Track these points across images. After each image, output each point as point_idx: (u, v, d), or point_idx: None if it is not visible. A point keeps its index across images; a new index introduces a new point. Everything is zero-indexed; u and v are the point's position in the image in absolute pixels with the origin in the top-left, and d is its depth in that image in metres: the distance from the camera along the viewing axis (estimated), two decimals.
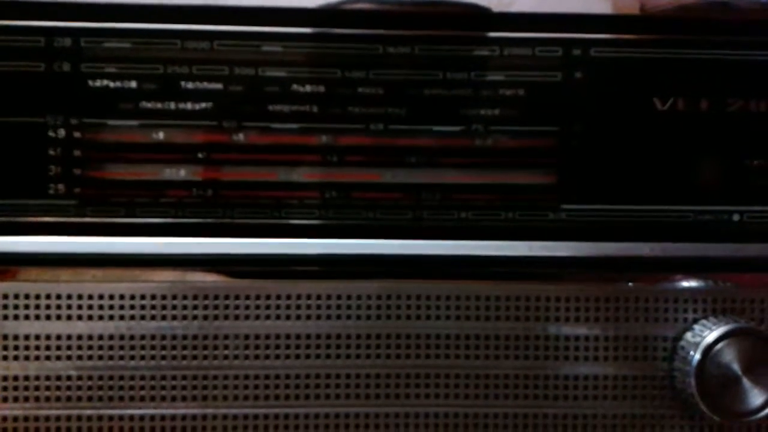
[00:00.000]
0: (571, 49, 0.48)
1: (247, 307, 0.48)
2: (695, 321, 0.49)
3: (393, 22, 0.48)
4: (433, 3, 0.48)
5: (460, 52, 0.48)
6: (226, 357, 0.48)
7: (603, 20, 0.49)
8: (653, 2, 0.49)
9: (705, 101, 0.49)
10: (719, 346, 0.47)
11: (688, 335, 0.49)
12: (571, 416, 0.49)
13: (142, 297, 0.48)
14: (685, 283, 0.50)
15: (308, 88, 0.48)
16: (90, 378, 0.47)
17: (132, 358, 0.48)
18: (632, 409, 0.50)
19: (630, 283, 0.49)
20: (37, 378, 0.47)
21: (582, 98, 0.49)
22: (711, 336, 0.48)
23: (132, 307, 0.48)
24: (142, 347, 0.48)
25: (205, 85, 0.47)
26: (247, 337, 0.48)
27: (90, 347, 0.47)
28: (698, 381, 0.47)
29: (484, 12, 0.48)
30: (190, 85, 0.47)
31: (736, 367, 0.47)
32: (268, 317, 0.48)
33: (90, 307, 0.47)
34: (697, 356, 0.48)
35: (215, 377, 0.48)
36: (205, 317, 0.48)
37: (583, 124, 0.49)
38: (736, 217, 0.50)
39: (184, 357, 0.48)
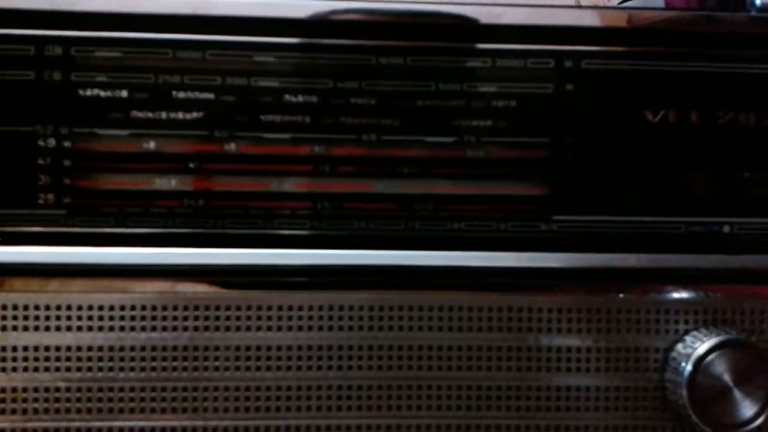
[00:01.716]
0: (563, 61, 0.49)
1: (237, 318, 0.48)
2: (686, 332, 0.49)
3: (385, 32, 0.48)
4: (423, 14, 0.48)
5: (453, 64, 0.48)
6: (216, 368, 0.48)
7: (595, 32, 0.49)
8: (640, 15, 0.50)
9: (695, 113, 0.49)
10: (710, 357, 0.48)
11: (680, 346, 0.49)
12: (563, 428, 0.49)
13: (132, 308, 0.47)
14: (676, 295, 0.50)
15: (300, 98, 0.48)
16: (79, 390, 0.47)
17: (121, 369, 0.47)
18: (623, 421, 0.50)
19: (621, 295, 0.49)
20: (24, 390, 0.47)
21: (573, 110, 0.49)
22: (702, 347, 0.48)
23: (122, 318, 0.47)
24: (132, 359, 0.47)
25: (197, 94, 0.47)
26: (237, 348, 0.48)
27: (79, 359, 0.47)
28: (689, 392, 0.47)
29: (473, 23, 0.48)
30: (181, 95, 0.47)
31: (727, 378, 0.47)
32: (259, 328, 0.48)
33: (79, 317, 0.47)
34: (689, 367, 0.48)
35: (205, 389, 0.48)
36: (196, 328, 0.48)
37: (575, 135, 0.49)
38: (726, 229, 0.50)
39: (174, 368, 0.47)
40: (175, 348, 0.47)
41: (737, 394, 0.47)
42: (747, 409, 0.47)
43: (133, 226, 0.48)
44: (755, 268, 0.50)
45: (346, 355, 0.48)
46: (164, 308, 0.47)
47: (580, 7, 0.50)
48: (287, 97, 0.48)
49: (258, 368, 0.48)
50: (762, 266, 0.50)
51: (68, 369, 0.47)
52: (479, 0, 0.49)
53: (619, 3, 0.63)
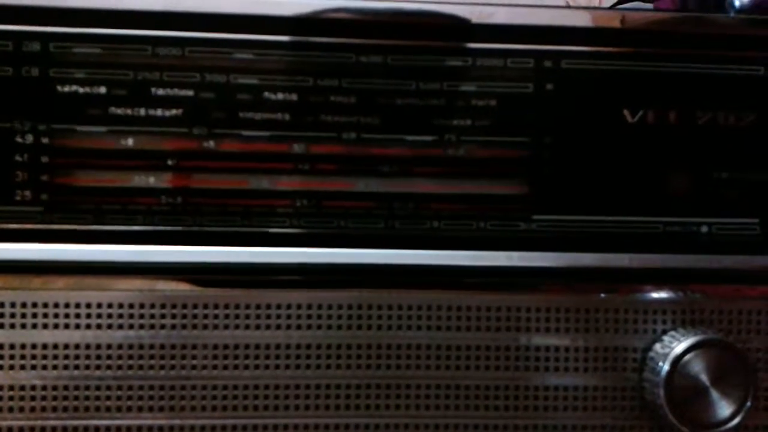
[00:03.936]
0: (542, 60, 0.49)
1: (216, 317, 0.48)
2: (664, 332, 0.49)
3: (366, 31, 0.48)
4: (411, 13, 0.48)
5: (433, 62, 0.48)
6: (194, 367, 0.47)
7: (574, 32, 0.49)
8: (619, 16, 0.50)
9: (674, 114, 0.50)
10: (688, 357, 0.48)
11: (658, 346, 0.49)
12: (542, 427, 0.49)
13: (109, 305, 0.47)
14: (655, 294, 0.50)
15: (280, 96, 0.48)
16: (55, 388, 0.47)
17: (98, 368, 0.47)
18: (602, 420, 0.50)
19: (602, 294, 0.50)
20: (0, 388, 0.46)
21: (553, 110, 0.49)
22: (680, 347, 0.48)
23: (99, 315, 0.47)
24: (109, 357, 0.47)
25: (176, 91, 0.47)
26: (216, 347, 0.48)
27: (55, 356, 0.46)
28: (667, 392, 0.48)
29: (460, 23, 0.48)
30: (160, 92, 0.47)
31: (704, 378, 0.48)
32: (237, 327, 0.48)
33: (55, 315, 0.46)
34: (666, 367, 0.48)
35: (183, 387, 0.47)
36: (174, 326, 0.47)
37: (554, 135, 0.49)
38: (704, 229, 0.50)
39: (151, 367, 0.47)
40: (152, 346, 0.47)
41: (714, 393, 0.48)
42: (724, 408, 0.48)
43: (111, 223, 0.47)
44: (733, 268, 0.50)
45: (325, 354, 0.48)
46: (142, 306, 0.47)
47: (568, 7, 0.50)
48: (267, 94, 0.47)
49: (236, 367, 0.48)
50: (740, 266, 0.50)
51: (44, 367, 0.46)
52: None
53: (612, 6, 0.63)
